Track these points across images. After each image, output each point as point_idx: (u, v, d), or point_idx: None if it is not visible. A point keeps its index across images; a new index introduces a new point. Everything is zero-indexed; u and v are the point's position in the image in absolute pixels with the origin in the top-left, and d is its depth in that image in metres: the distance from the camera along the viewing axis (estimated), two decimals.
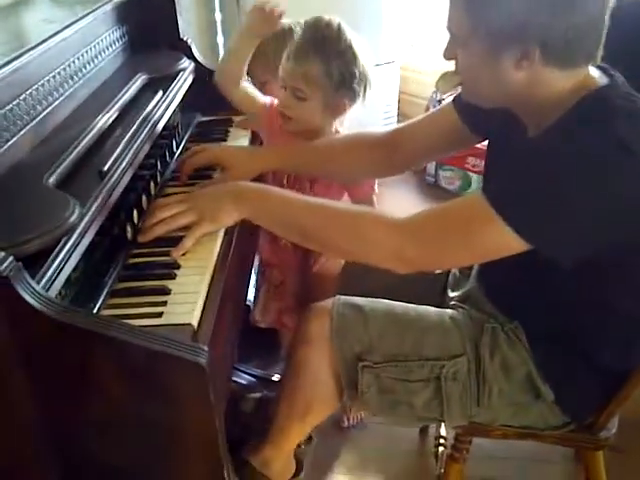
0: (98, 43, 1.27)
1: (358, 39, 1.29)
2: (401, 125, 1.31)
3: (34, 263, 0.74)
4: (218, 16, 2.44)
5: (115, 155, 0.99)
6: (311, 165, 1.31)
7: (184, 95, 1.35)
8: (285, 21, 1.36)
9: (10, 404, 0.77)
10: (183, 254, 0.98)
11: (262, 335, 1.63)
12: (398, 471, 1.54)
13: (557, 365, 1.06)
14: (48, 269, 0.75)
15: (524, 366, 1.07)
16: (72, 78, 1.14)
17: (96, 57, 1.26)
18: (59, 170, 0.90)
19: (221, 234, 1.04)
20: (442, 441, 1.44)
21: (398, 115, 2.71)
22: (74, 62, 1.15)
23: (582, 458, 1.25)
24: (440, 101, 2.54)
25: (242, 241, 1.11)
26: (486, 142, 1.21)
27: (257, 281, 1.63)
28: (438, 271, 1.28)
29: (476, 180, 2.47)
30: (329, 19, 1.28)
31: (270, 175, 1.38)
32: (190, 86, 1.39)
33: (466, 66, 0.97)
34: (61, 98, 1.08)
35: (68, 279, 0.80)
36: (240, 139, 1.42)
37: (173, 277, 0.93)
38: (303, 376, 1.12)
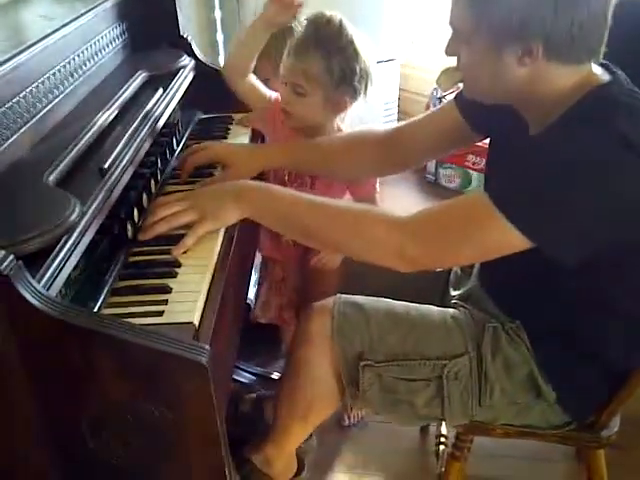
0: (98, 40, 1.27)
1: (360, 35, 1.29)
2: (402, 124, 1.31)
3: (34, 262, 0.74)
4: (218, 13, 2.44)
5: (115, 153, 0.98)
6: (312, 163, 1.31)
7: (184, 92, 1.34)
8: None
9: (10, 403, 0.77)
10: (184, 252, 0.98)
11: (262, 332, 1.64)
12: (399, 469, 1.54)
13: (559, 364, 1.06)
14: (49, 268, 0.75)
15: (526, 365, 1.07)
16: (72, 75, 1.13)
17: (96, 54, 1.25)
18: (59, 168, 0.90)
19: (222, 232, 1.04)
20: (443, 440, 1.44)
21: (398, 113, 2.71)
22: (74, 59, 1.15)
23: (583, 457, 1.25)
24: (441, 99, 2.54)
25: (243, 239, 1.10)
26: (487, 140, 1.21)
27: (259, 277, 1.63)
28: (439, 269, 1.28)
29: (476, 178, 2.47)
30: (330, 15, 1.28)
31: (271, 173, 1.38)
32: (190, 83, 1.39)
33: (468, 62, 0.97)
34: (61, 96, 1.08)
35: (69, 278, 0.80)
36: (240, 137, 1.42)
37: (174, 275, 0.93)
38: (304, 375, 1.12)
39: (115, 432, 0.77)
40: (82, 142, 0.97)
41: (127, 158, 1.00)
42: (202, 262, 0.96)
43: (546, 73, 0.93)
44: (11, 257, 0.69)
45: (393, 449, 1.58)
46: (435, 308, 1.16)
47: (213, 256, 0.98)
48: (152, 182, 1.13)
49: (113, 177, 0.94)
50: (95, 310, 0.84)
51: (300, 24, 1.34)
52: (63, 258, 0.78)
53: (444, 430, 1.46)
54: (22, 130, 0.94)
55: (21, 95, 0.95)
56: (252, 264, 1.37)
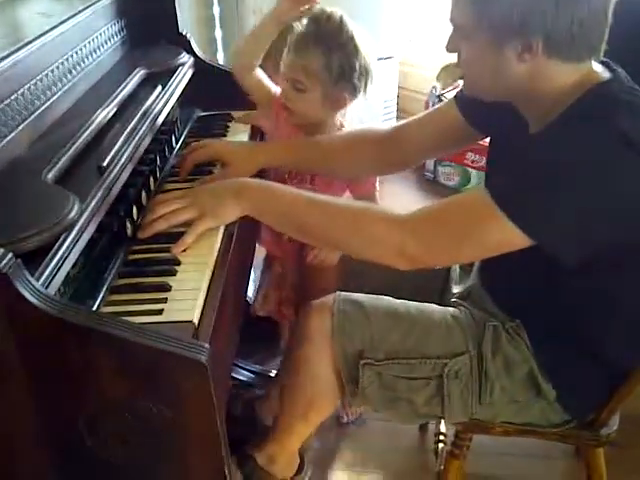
0: (97, 37, 1.26)
1: (360, 32, 1.28)
2: (402, 122, 1.31)
3: (33, 260, 0.74)
4: (216, 10, 2.43)
5: (114, 150, 0.98)
6: (312, 162, 1.31)
7: (183, 90, 1.34)
8: None
9: (9, 401, 0.76)
10: (183, 250, 0.97)
11: (260, 329, 1.64)
12: (398, 467, 1.54)
13: (559, 363, 1.06)
14: (47, 266, 0.75)
15: (526, 364, 1.07)
16: (70, 72, 1.13)
17: (95, 51, 1.25)
18: (58, 166, 0.89)
19: (221, 230, 1.04)
20: (442, 437, 1.44)
21: (397, 111, 2.71)
22: (72, 56, 1.14)
23: (583, 454, 1.25)
24: (439, 96, 2.54)
25: (243, 237, 1.10)
26: (487, 139, 1.21)
27: (262, 270, 1.63)
28: (438, 267, 1.28)
29: (475, 176, 2.47)
30: (331, 12, 1.28)
31: (271, 170, 1.38)
32: (189, 81, 1.38)
33: (468, 59, 0.97)
34: (59, 93, 1.07)
35: (67, 276, 0.79)
36: (240, 134, 1.41)
37: (173, 273, 0.93)
38: (304, 373, 1.12)
39: (113, 430, 0.77)
40: (81, 139, 0.97)
41: (126, 156, 0.99)
42: (202, 260, 0.96)
43: (546, 70, 0.92)
44: (10, 255, 0.69)
45: (392, 447, 1.58)
46: (435, 307, 1.15)
47: (213, 254, 0.97)
48: (151, 180, 1.12)
49: (112, 175, 0.94)
50: (94, 308, 0.84)
51: (300, 21, 1.34)
52: (62, 256, 0.77)
53: (443, 428, 1.46)
54: (20, 127, 0.94)
55: (19, 92, 0.94)
56: (252, 261, 1.36)
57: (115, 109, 1.10)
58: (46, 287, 0.73)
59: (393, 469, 1.54)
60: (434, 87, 2.57)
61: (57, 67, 1.07)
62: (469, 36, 0.94)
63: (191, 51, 1.48)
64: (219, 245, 1.00)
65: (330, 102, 1.32)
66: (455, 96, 1.20)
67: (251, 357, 1.73)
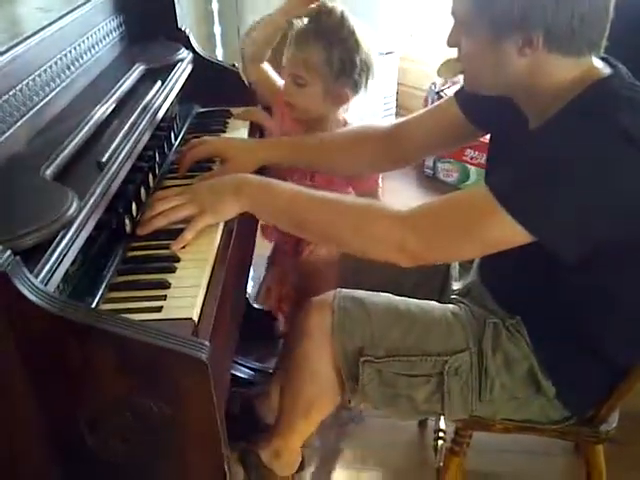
0: (95, 33, 1.26)
1: (362, 27, 1.28)
2: (402, 119, 1.30)
3: (32, 257, 0.73)
4: (215, 6, 2.43)
5: (113, 146, 0.97)
6: (312, 159, 1.30)
7: (182, 86, 1.33)
8: None
9: (8, 400, 0.76)
10: (183, 247, 0.97)
11: (260, 326, 1.63)
12: (397, 464, 1.54)
13: (558, 360, 1.06)
14: (46, 263, 0.74)
15: (526, 361, 1.07)
16: (69, 68, 1.12)
17: (93, 47, 1.24)
18: (56, 162, 0.89)
19: (221, 226, 1.03)
20: (441, 434, 1.44)
21: (397, 107, 2.71)
22: (71, 52, 1.14)
23: (582, 451, 1.25)
24: (439, 92, 2.54)
25: (242, 233, 1.10)
26: (487, 136, 1.20)
27: (267, 265, 1.63)
28: (439, 264, 1.27)
29: (474, 172, 2.48)
30: (332, 6, 1.28)
31: (271, 166, 1.37)
32: (188, 77, 1.38)
33: (469, 53, 0.97)
34: (58, 89, 1.07)
35: (66, 273, 0.79)
36: (239, 130, 1.41)
37: (173, 270, 0.92)
38: (304, 371, 1.11)
39: (113, 429, 0.76)
40: (79, 136, 0.96)
41: (125, 152, 0.99)
42: (201, 256, 0.95)
43: (546, 64, 0.92)
44: (8, 252, 0.68)
45: (391, 444, 1.58)
46: (435, 304, 1.15)
47: (212, 250, 0.97)
48: (150, 176, 1.12)
49: (111, 171, 0.93)
50: (93, 306, 0.83)
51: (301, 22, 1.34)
52: (61, 253, 0.77)
53: (442, 425, 1.46)
54: (19, 124, 0.93)
55: (17, 88, 0.93)
56: (251, 258, 1.36)
57: (114, 105, 1.09)
58: (45, 284, 0.72)
59: (392, 466, 1.54)
60: (433, 83, 2.57)
61: (56, 63, 1.07)
62: (470, 30, 0.94)
63: (190, 47, 1.47)
64: (219, 242, 1.00)
65: (331, 97, 1.31)
66: (455, 93, 1.20)
67: (251, 354, 1.73)
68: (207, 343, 0.73)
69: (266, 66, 1.39)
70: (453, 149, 2.15)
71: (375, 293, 1.14)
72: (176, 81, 1.30)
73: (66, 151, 0.92)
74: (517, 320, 1.09)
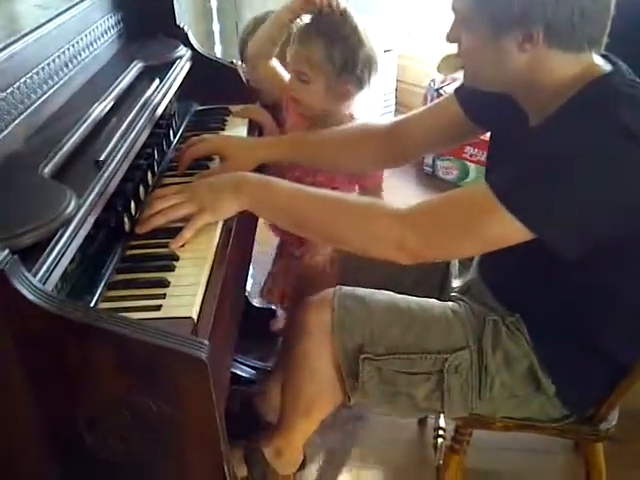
0: (93, 30, 1.25)
1: (365, 24, 1.28)
2: (402, 117, 1.30)
3: (30, 256, 0.73)
4: (214, 3, 2.42)
5: (112, 144, 0.97)
6: (312, 157, 1.30)
7: (181, 83, 1.33)
8: None
9: (6, 399, 0.76)
10: (182, 246, 0.97)
11: (259, 324, 1.63)
12: (397, 462, 1.54)
13: (558, 358, 1.06)
14: (45, 262, 0.74)
15: (526, 359, 1.07)
16: (67, 66, 1.12)
17: (91, 44, 1.24)
18: (55, 160, 0.88)
19: (220, 224, 1.03)
20: (441, 432, 1.44)
21: (396, 104, 2.70)
22: (69, 49, 1.13)
23: (582, 449, 1.25)
24: (438, 90, 2.54)
25: (241, 231, 1.09)
26: (487, 134, 1.20)
27: (273, 260, 1.63)
28: (439, 261, 1.27)
29: (474, 170, 2.47)
30: (335, 3, 1.27)
31: (271, 164, 1.37)
32: (187, 74, 1.38)
33: (469, 48, 0.97)
34: (56, 86, 1.06)
35: (65, 272, 0.79)
36: (237, 128, 1.41)
37: (172, 269, 0.92)
38: (304, 369, 1.11)
39: (112, 428, 0.76)
40: (78, 134, 0.96)
41: (123, 150, 0.98)
42: (200, 255, 0.95)
43: (546, 60, 0.92)
44: (6, 251, 0.68)
45: (391, 442, 1.58)
46: (435, 302, 1.15)
47: (211, 248, 0.97)
48: (149, 174, 1.11)
49: (109, 169, 0.93)
50: (92, 304, 0.83)
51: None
52: (59, 252, 0.77)
53: (442, 423, 1.46)
54: (16, 121, 0.93)
55: (15, 86, 0.93)
56: (251, 256, 1.36)
57: (112, 103, 1.09)
58: (43, 283, 0.72)
59: (392, 464, 1.54)
60: (432, 80, 2.57)
61: (53, 60, 1.06)
62: (470, 26, 0.94)
63: (188, 44, 1.47)
64: (218, 240, 0.99)
65: (334, 94, 1.31)
66: (455, 91, 1.20)
67: (251, 352, 1.72)
68: (206, 342, 0.73)
69: (274, 62, 1.38)
70: (453, 147, 2.14)
71: (375, 291, 1.13)
72: (175, 78, 1.30)
73: (64, 149, 0.92)
74: (517, 318, 1.09)
